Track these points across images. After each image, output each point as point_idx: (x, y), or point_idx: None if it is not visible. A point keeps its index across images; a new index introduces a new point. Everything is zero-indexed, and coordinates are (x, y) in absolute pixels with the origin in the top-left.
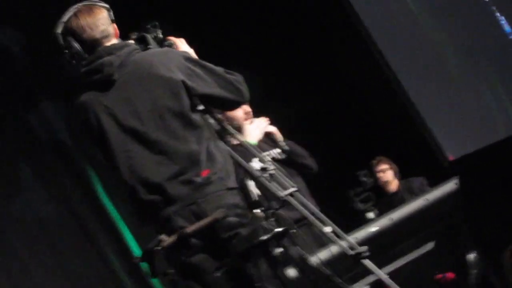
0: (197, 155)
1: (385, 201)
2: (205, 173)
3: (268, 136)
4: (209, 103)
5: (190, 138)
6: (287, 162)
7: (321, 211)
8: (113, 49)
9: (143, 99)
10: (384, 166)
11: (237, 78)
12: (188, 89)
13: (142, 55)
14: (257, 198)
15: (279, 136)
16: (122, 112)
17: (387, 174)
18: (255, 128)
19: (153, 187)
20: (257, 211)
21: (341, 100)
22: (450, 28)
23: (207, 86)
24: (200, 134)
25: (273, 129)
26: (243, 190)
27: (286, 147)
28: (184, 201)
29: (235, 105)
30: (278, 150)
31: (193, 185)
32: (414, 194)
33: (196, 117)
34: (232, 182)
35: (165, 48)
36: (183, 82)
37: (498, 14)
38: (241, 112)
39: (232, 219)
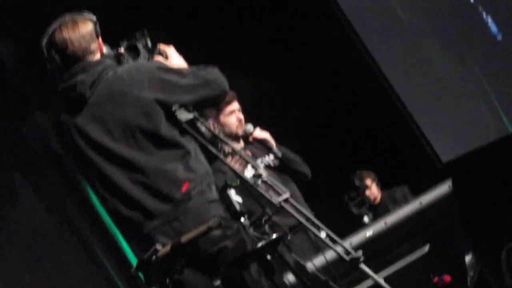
0: (173, 172)
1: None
2: (184, 188)
3: (261, 142)
4: (193, 106)
5: (165, 156)
6: (281, 169)
7: (316, 216)
8: (87, 66)
9: (115, 118)
10: (368, 182)
11: (211, 71)
12: (164, 104)
13: (115, 73)
14: (239, 208)
15: (272, 142)
16: (94, 131)
17: (373, 190)
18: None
19: (132, 203)
20: (242, 220)
21: (334, 105)
22: (439, 31)
23: (185, 92)
24: (177, 151)
25: (266, 135)
26: (224, 201)
27: (280, 154)
28: (165, 217)
29: (218, 98)
30: (272, 157)
31: (173, 202)
32: (398, 203)
33: (171, 133)
34: (213, 194)
35: (138, 63)
36: (157, 100)
37: (484, 14)
38: (234, 119)
39: (217, 231)
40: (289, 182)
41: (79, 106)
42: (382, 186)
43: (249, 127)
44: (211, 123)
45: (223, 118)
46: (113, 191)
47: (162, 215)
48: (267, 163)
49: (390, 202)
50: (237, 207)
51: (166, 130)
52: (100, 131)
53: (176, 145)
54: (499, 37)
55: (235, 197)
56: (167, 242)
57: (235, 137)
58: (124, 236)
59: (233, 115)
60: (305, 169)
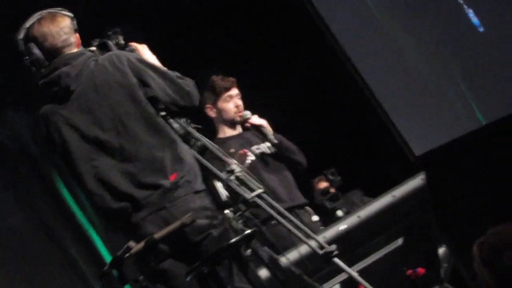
0: (162, 160)
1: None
2: (172, 177)
3: (258, 129)
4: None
5: (154, 143)
6: (276, 156)
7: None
8: (69, 59)
9: (103, 107)
10: (326, 184)
11: (187, 82)
12: (141, 91)
13: (96, 62)
14: (225, 199)
15: (269, 129)
16: (82, 122)
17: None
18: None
19: (121, 195)
20: (227, 211)
21: (305, 100)
22: (414, 23)
23: (159, 89)
24: (165, 138)
25: (263, 122)
26: (211, 191)
27: (275, 141)
28: (153, 207)
29: (184, 109)
30: (268, 144)
31: (161, 190)
32: (356, 206)
33: (159, 120)
34: (200, 185)
35: (117, 51)
36: (138, 85)
37: (466, 7)
38: (232, 105)
39: (202, 221)
40: (283, 170)
41: (65, 98)
42: (353, 182)
43: (247, 113)
44: (208, 107)
45: (221, 104)
46: (102, 183)
47: (150, 204)
48: (263, 150)
49: (349, 206)
50: (223, 198)
51: (153, 115)
52: (88, 122)
53: (164, 133)
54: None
55: (222, 189)
56: (155, 230)
57: (233, 123)
58: (111, 229)
59: (231, 101)
60: (300, 157)
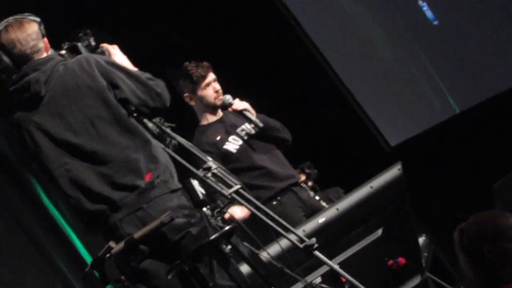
0: (136, 161)
1: None
2: (148, 177)
3: (242, 114)
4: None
5: (127, 144)
6: (262, 137)
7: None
8: (38, 64)
9: (73, 111)
10: (303, 178)
11: (158, 83)
12: (111, 93)
13: (65, 66)
14: (202, 197)
15: (252, 112)
16: (53, 127)
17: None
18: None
19: (97, 197)
20: (204, 209)
21: (276, 93)
22: (379, 16)
23: (129, 91)
24: (138, 138)
25: (246, 105)
26: (188, 190)
27: (261, 124)
28: (129, 208)
29: (156, 111)
30: (252, 125)
31: (137, 191)
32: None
33: (131, 121)
34: (176, 183)
35: (86, 54)
36: (107, 87)
37: (420, 1)
38: (211, 91)
39: (180, 220)
40: (273, 149)
41: (35, 104)
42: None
43: (228, 98)
44: (187, 96)
45: (200, 92)
46: (77, 186)
47: (127, 205)
48: (248, 132)
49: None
50: (200, 196)
51: (125, 117)
52: (60, 127)
53: (137, 133)
54: (435, 22)
55: (198, 187)
56: (133, 231)
57: (214, 108)
58: (89, 231)
59: (209, 87)
60: (286, 134)
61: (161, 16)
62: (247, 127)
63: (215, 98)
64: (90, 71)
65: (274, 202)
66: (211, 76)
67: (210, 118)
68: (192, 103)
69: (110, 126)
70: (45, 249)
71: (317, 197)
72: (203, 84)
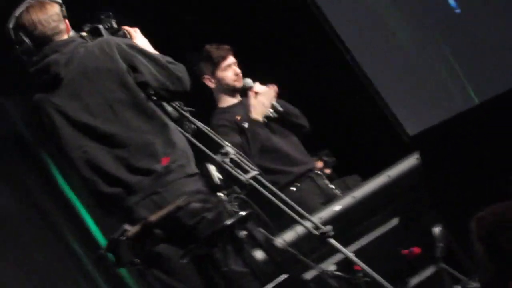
0: (153, 145)
1: None
2: (164, 162)
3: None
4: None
5: (144, 128)
6: (280, 122)
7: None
8: (59, 46)
9: (92, 93)
10: (320, 166)
11: (179, 68)
12: (131, 77)
13: (86, 49)
14: (219, 182)
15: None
16: (72, 109)
17: None
18: (261, 105)
19: (113, 180)
20: (220, 194)
21: (298, 83)
22: (401, 5)
23: (149, 74)
24: (156, 122)
25: (266, 89)
26: (205, 175)
27: (281, 108)
28: (145, 191)
29: (176, 95)
30: (271, 110)
31: (153, 174)
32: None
33: (150, 105)
34: (193, 168)
35: (107, 37)
36: (127, 70)
37: None
38: (231, 73)
39: (196, 204)
40: (290, 135)
41: (55, 86)
42: (347, 164)
43: (249, 81)
44: (207, 78)
45: (220, 73)
46: (94, 169)
47: (143, 189)
48: (267, 116)
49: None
50: (217, 181)
51: (144, 100)
52: (78, 109)
53: (155, 117)
54: (458, 10)
55: (215, 172)
56: (148, 215)
57: (233, 91)
58: (105, 214)
59: (229, 69)
60: (303, 121)
61: (183, 1)
62: (267, 112)
63: (235, 81)
64: (111, 54)
65: (292, 188)
66: (231, 58)
67: (230, 101)
68: (212, 85)
69: (128, 110)
70: (59, 231)
71: (332, 186)
72: (223, 65)
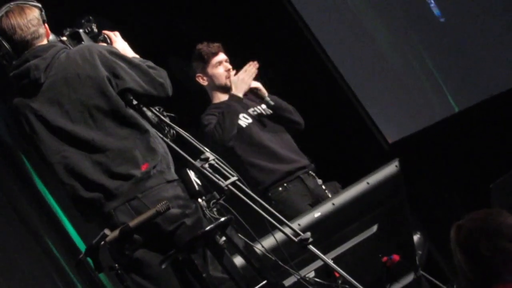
0: (133, 150)
1: None
2: (144, 167)
3: (253, 91)
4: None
5: (124, 134)
6: (273, 118)
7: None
8: (39, 51)
9: (72, 100)
10: None
11: (160, 73)
12: (112, 84)
13: (67, 54)
14: (197, 188)
15: (264, 91)
16: (51, 114)
17: None
18: (241, 82)
19: (92, 185)
20: (200, 200)
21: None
22: (382, 13)
23: (132, 81)
24: (136, 129)
25: (257, 84)
26: (184, 180)
27: (272, 103)
28: (125, 197)
29: (158, 100)
30: (264, 106)
31: (132, 180)
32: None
33: (130, 112)
34: (172, 174)
35: (88, 44)
36: (108, 78)
37: None
38: (222, 70)
39: (175, 210)
40: (282, 132)
41: (34, 91)
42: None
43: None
44: (199, 76)
45: (211, 70)
46: (73, 174)
47: (122, 194)
48: (259, 112)
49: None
50: (196, 187)
51: (124, 108)
52: (57, 114)
53: (135, 124)
54: (442, 19)
55: (194, 178)
56: (127, 220)
57: (225, 88)
58: (85, 219)
59: (221, 66)
60: (298, 117)
61: (165, 3)
62: (259, 108)
63: (226, 77)
64: (92, 61)
65: (280, 188)
66: (222, 55)
67: (222, 97)
68: (204, 83)
69: (108, 117)
70: (40, 236)
71: (323, 186)
72: (214, 62)
